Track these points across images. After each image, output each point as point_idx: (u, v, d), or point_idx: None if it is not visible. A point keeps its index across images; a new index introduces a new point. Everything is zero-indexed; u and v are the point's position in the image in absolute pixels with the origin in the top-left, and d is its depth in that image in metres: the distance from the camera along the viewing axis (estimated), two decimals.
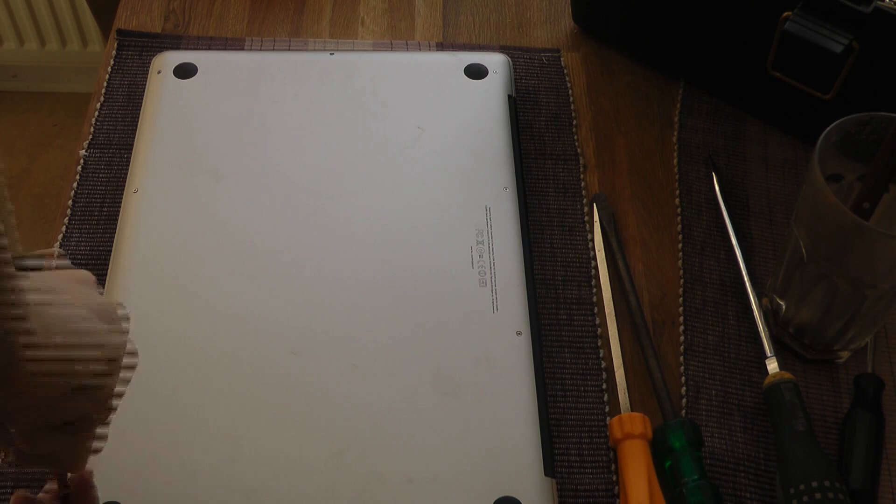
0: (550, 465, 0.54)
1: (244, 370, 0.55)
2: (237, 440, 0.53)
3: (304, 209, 0.62)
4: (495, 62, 0.70)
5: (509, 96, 0.69)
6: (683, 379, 0.59)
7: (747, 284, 0.62)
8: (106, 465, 0.52)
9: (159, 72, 0.68)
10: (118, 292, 0.58)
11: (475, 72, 0.70)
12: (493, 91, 0.69)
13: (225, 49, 0.73)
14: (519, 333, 0.57)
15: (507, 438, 0.54)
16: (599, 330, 0.61)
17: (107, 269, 0.60)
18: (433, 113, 0.67)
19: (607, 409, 0.58)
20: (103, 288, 0.59)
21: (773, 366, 0.58)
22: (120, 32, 0.74)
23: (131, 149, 0.65)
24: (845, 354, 0.60)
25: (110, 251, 0.61)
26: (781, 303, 0.59)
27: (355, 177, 0.64)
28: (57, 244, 0.63)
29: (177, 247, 0.60)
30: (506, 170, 0.64)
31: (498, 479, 0.52)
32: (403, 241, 0.61)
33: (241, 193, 0.63)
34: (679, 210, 0.67)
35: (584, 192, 0.67)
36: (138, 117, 0.67)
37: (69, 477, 0.46)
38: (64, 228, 0.64)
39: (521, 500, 0.51)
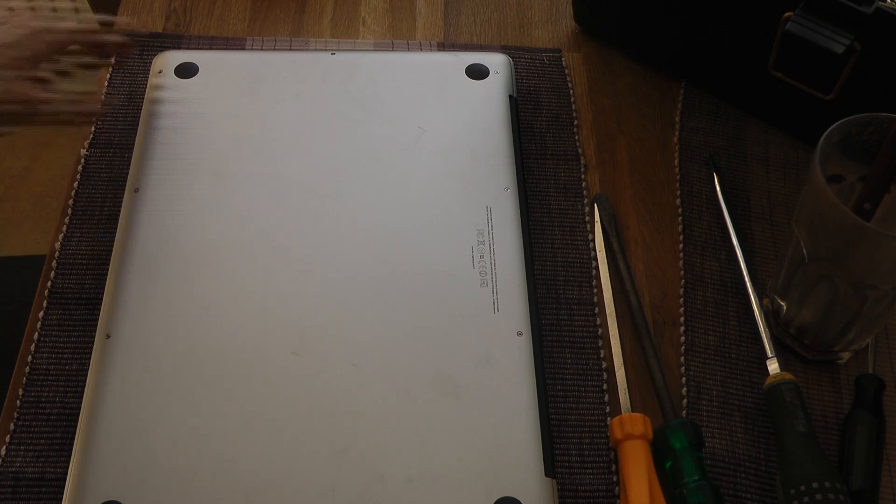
0: (551, 465, 0.54)
1: (244, 370, 0.55)
2: (237, 440, 0.53)
3: (305, 209, 0.62)
4: (496, 62, 0.70)
5: (510, 97, 0.69)
6: (684, 379, 0.59)
7: (748, 285, 0.62)
8: (106, 465, 0.52)
9: (160, 71, 0.68)
10: (118, 292, 0.58)
11: (476, 72, 0.69)
12: (494, 91, 0.69)
13: (226, 49, 0.73)
14: (520, 334, 0.57)
15: (508, 439, 0.54)
16: (600, 330, 0.61)
17: (107, 269, 0.60)
18: (434, 113, 0.67)
19: (608, 409, 0.58)
20: (103, 287, 0.59)
21: (773, 366, 0.58)
22: (121, 32, 0.74)
23: (132, 148, 0.65)
24: (846, 355, 0.60)
25: (111, 251, 0.61)
26: (782, 303, 0.59)
27: (356, 176, 0.64)
28: (58, 244, 0.63)
29: (177, 246, 0.60)
30: (507, 170, 0.64)
31: (498, 480, 0.52)
32: (404, 241, 0.61)
33: (242, 193, 0.63)
34: (680, 210, 0.67)
35: (584, 192, 0.67)
36: (139, 117, 0.67)
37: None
38: (65, 228, 0.64)
39: (521, 501, 0.51)
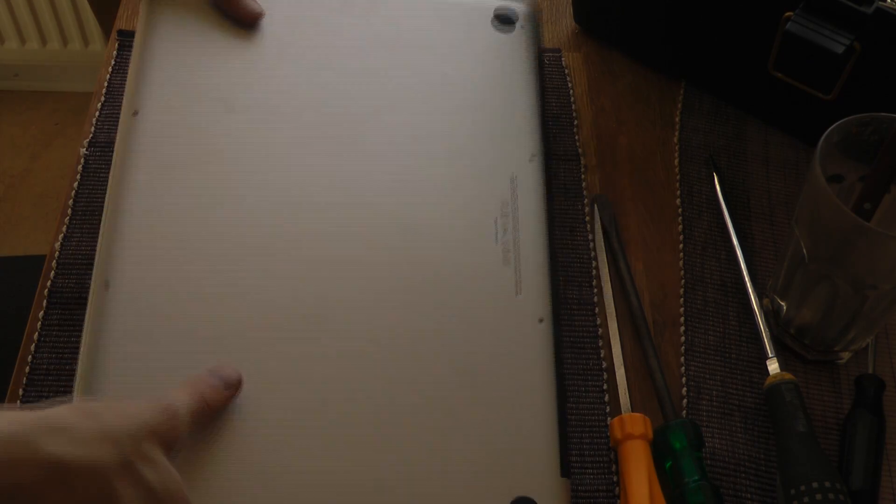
0: (567, 465, 0.52)
1: (247, 357, 0.52)
2: (245, 431, 0.51)
3: (317, 154, 0.57)
4: (523, 12, 0.66)
5: (538, 51, 0.65)
6: (684, 379, 0.59)
7: (748, 285, 0.62)
8: None
9: None
10: (115, 236, 0.54)
11: (503, 18, 0.66)
12: (520, 45, 0.65)
13: None
14: (541, 321, 0.54)
15: (526, 436, 0.51)
16: (600, 330, 0.61)
17: None
18: (458, 64, 0.63)
19: (608, 409, 0.58)
20: (98, 232, 0.56)
21: (773, 366, 0.58)
22: (121, 34, 0.74)
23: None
24: (846, 355, 0.60)
25: None
26: (782, 303, 0.59)
27: (372, 123, 0.59)
28: (58, 244, 0.63)
29: (178, 178, 0.55)
30: (533, 137, 0.60)
31: (515, 479, 0.50)
32: (422, 205, 0.56)
33: (249, 131, 0.58)
34: (680, 210, 0.67)
35: (585, 193, 0.67)
36: None
37: None
38: (65, 228, 0.64)
39: (537, 501, 0.50)
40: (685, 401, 0.58)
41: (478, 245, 0.55)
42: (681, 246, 0.65)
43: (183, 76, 0.59)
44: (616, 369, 0.59)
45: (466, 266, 0.54)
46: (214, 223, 0.55)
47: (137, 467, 0.43)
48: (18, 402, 0.57)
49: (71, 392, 0.53)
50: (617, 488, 0.55)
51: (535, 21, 0.68)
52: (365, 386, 0.52)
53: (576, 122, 0.71)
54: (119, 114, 0.68)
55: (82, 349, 0.53)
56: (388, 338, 0.53)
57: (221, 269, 0.54)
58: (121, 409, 0.45)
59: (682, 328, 0.61)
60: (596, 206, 0.66)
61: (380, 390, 0.52)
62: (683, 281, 0.63)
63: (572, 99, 0.72)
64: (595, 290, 0.63)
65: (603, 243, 0.65)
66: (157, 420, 0.45)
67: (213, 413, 0.50)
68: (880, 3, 0.57)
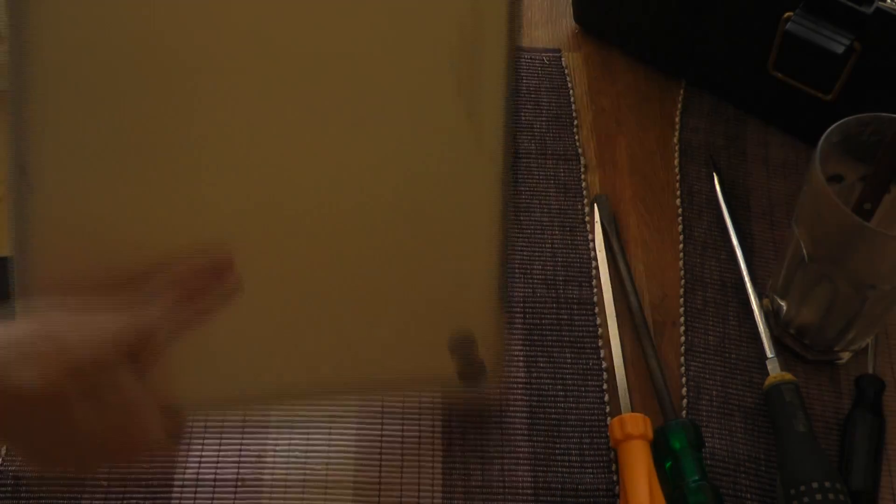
0: (506, 300, 0.50)
1: (203, 229, 0.46)
2: None
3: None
4: None
5: None
6: (684, 379, 0.59)
7: (748, 285, 0.62)
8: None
9: None
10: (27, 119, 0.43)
11: None
12: None
13: None
14: (494, 158, 0.48)
15: (468, 270, 0.49)
16: (600, 330, 0.61)
17: None
18: None
19: (608, 409, 0.58)
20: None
21: (773, 366, 0.58)
22: None
23: None
24: (846, 355, 0.60)
25: None
26: (782, 303, 0.59)
27: None
28: None
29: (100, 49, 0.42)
30: None
31: (455, 314, 0.49)
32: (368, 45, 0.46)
33: None
34: (680, 210, 0.67)
35: (584, 193, 0.67)
36: None
37: None
38: None
39: (475, 335, 0.49)
40: (685, 401, 0.58)
41: (432, 96, 0.47)
42: (681, 246, 0.65)
43: None
44: (616, 369, 0.59)
45: (421, 119, 0.47)
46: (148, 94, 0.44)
47: (100, 394, 0.42)
48: None
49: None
50: (617, 488, 0.55)
51: None
52: (314, 223, 0.48)
53: (576, 122, 0.71)
54: None
55: (12, 245, 0.45)
56: (334, 187, 0.47)
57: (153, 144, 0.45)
58: (86, 329, 0.42)
59: (682, 328, 0.61)
60: (596, 205, 0.66)
61: (328, 232, 0.48)
62: (683, 281, 0.63)
63: (572, 99, 0.72)
64: (595, 290, 0.63)
65: (603, 243, 0.65)
66: (125, 341, 0.43)
67: (203, 310, 0.45)
68: (880, 3, 0.57)
